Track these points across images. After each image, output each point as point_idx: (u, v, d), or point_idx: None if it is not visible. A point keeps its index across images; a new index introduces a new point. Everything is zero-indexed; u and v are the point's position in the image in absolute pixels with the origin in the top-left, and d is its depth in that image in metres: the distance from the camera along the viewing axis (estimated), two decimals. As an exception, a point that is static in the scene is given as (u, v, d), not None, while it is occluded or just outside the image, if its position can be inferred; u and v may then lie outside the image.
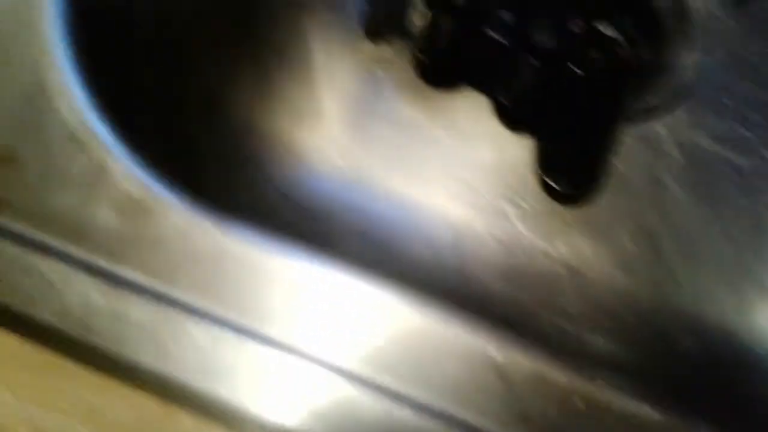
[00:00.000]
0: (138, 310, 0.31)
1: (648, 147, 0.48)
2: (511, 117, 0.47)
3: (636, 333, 0.45)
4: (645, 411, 0.34)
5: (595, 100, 0.45)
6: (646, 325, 0.46)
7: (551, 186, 0.46)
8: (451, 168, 0.47)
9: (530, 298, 0.45)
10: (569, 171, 0.46)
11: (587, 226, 0.46)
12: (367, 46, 0.48)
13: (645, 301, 0.46)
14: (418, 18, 0.45)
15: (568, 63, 0.43)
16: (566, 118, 0.46)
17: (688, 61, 0.49)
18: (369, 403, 0.33)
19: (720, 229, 0.47)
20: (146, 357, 0.32)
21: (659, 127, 0.49)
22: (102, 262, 0.32)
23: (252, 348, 0.33)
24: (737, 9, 0.51)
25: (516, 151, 0.47)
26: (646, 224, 0.47)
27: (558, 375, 0.33)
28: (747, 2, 0.51)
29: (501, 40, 0.44)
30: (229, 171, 0.41)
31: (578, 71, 0.44)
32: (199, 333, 0.32)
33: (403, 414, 0.32)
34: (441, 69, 0.47)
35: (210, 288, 0.32)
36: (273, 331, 0.33)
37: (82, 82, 0.34)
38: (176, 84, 0.40)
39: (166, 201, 0.32)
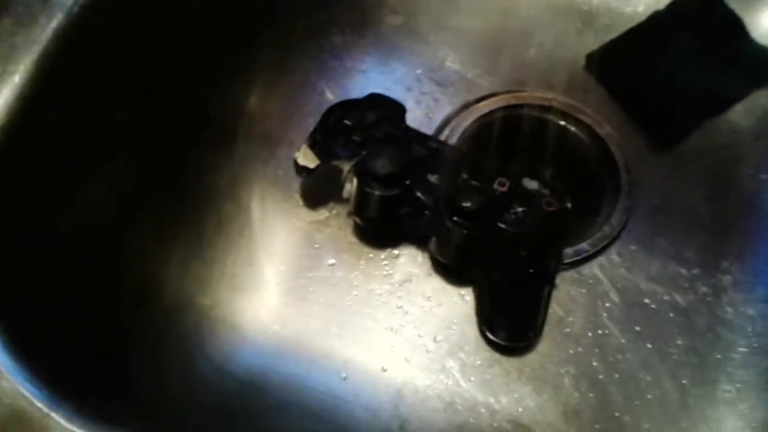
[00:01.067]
0: None
1: (586, 291, 0.48)
2: (449, 273, 0.47)
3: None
4: None
5: (527, 252, 0.46)
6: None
7: (491, 338, 0.46)
8: (390, 326, 0.46)
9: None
10: (508, 322, 0.46)
11: (530, 376, 0.46)
12: (305, 212, 0.49)
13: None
14: (348, 184, 0.46)
15: (495, 220, 0.44)
16: (501, 271, 0.46)
17: (619, 205, 0.50)
18: None
19: (663, 369, 0.46)
20: None
21: (596, 270, 0.49)
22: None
23: None
24: (663, 151, 0.52)
25: (455, 305, 0.47)
26: (589, 370, 0.46)
27: None
28: (672, 144, 0.52)
29: (428, 201, 0.44)
30: (161, 354, 0.41)
31: (505, 227, 0.44)
32: None
33: None
34: (375, 230, 0.48)
35: None
36: None
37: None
38: (104, 278, 0.40)
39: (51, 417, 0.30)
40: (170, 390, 0.39)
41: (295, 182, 0.50)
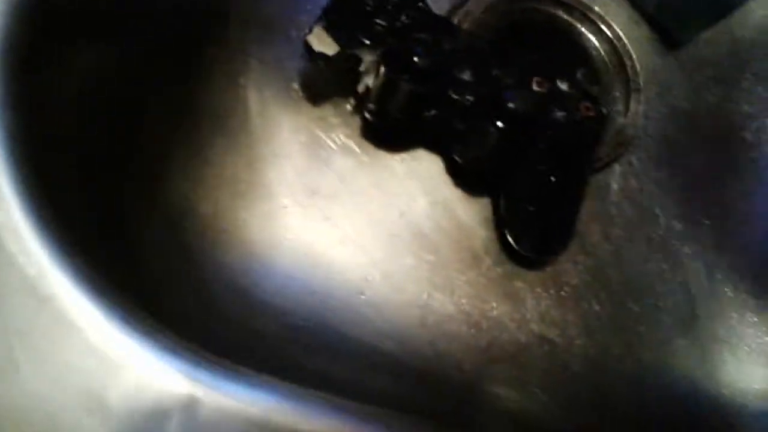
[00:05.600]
0: None
1: (599, 200, 0.44)
2: (470, 180, 0.41)
3: (607, 400, 0.41)
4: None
5: (564, 159, 0.40)
6: (616, 390, 0.41)
7: (514, 249, 0.40)
8: (408, 238, 0.40)
9: (499, 372, 0.39)
10: (538, 234, 0.40)
11: (553, 289, 0.41)
12: (307, 107, 0.40)
13: (612, 363, 0.41)
14: (369, 78, 0.38)
15: (537, 125, 0.37)
16: (535, 180, 0.40)
17: (632, 111, 0.45)
18: None
19: (676, 280, 0.43)
20: None
21: (609, 179, 0.44)
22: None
23: None
24: (670, 55, 0.47)
25: (475, 214, 0.41)
26: (608, 282, 0.42)
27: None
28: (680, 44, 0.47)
29: (465, 102, 0.37)
30: (170, 263, 0.32)
31: (546, 132, 0.38)
32: None
33: None
34: (395, 131, 0.40)
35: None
36: None
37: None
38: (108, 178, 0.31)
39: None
40: (184, 300, 0.31)
41: (293, 71, 0.41)
